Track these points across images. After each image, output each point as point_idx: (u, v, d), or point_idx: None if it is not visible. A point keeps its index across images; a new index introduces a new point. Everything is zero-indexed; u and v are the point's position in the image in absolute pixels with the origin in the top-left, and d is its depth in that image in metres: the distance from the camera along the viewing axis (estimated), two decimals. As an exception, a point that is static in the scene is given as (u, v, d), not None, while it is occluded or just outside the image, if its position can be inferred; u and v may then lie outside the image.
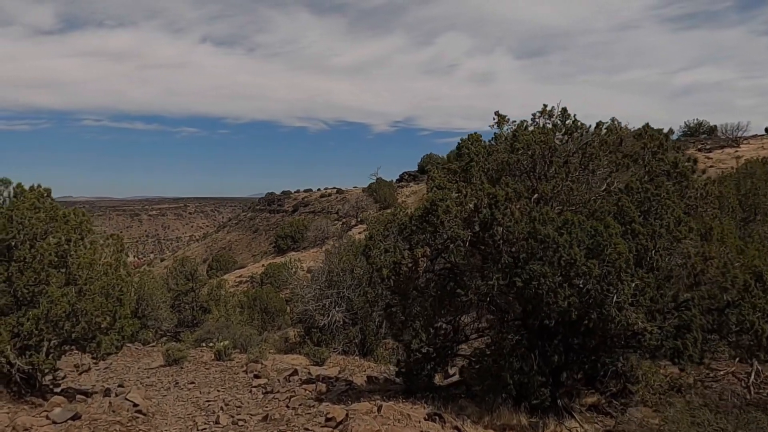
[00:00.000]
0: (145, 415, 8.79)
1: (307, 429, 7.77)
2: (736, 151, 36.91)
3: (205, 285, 23.71)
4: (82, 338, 9.27)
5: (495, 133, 9.73)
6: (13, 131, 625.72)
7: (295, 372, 12.27)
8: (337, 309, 16.85)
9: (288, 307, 23.23)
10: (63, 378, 10.63)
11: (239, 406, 9.75)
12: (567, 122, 9.33)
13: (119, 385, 11.37)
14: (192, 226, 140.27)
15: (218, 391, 11.14)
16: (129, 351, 15.44)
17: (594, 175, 9.11)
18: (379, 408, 8.03)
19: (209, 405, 9.97)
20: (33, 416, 7.92)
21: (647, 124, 9.37)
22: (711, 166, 32.83)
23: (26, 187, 9.81)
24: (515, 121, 9.74)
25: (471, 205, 8.49)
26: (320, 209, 61.47)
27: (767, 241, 11.96)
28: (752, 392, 9.45)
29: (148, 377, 12.65)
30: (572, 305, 7.73)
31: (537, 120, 9.45)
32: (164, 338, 20.14)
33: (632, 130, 10.31)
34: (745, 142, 39.75)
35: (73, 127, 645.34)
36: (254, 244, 64.25)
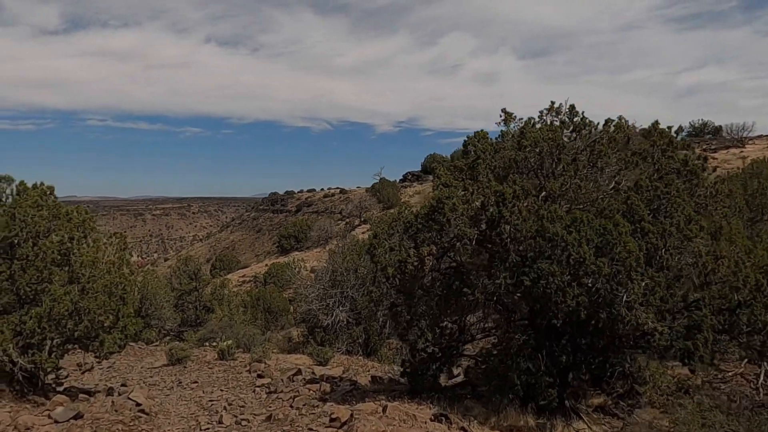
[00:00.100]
0: (147, 414, 8.71)
1: (312, 429, 7.68)
2: (742, 151, 36.73)
3: (208, 284, 23.67)
4: (85, 337, 9.20)
5: (502, 131, 9.64)
6: (18, 131, 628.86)
7: (299, 372, 12.18)
8: (340, 308, 16.77)
9: (291, 307, 23.17)
10: (66, 377, 10.57)
11: (242, 406, 9.67)
12: (575, 119, 9.22)
13: (122, 385, 11.30)
14: (195, 226, 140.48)
15: (221, 390, 11.06)
16: (132, 350, 15.39)
17: (602, 173, 9.00)
18: (384, 408, 7.94)
19: (212, 405, 9.89)
20: (35, 415, 7.86)
21: (656, 122, 9.27)
22: (716, 167, 32.66)
23: (29, 185, 9.75)
24: (522, 119, 9.64)
25: (478, 203, 8.39)
26: (323, 209, 61.46)
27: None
28: (762, 394, 9.32)
29: (151, 376, 12.58)
30: (581, 304, 7.62)
31: (544, 117, 9.34)
32: (167, 337, 20.08)
33: (639, 129, 10.21)
34: (750, 142, 39.57)
35: (78, 127, 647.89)
36: (257, 244, 64.33)
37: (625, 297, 7.49)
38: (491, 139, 9.43)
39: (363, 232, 37.07)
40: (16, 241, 9.04)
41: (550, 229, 7.80)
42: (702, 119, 46.35)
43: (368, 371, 13.05)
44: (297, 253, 42.50)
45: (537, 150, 8.78)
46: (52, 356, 8.96)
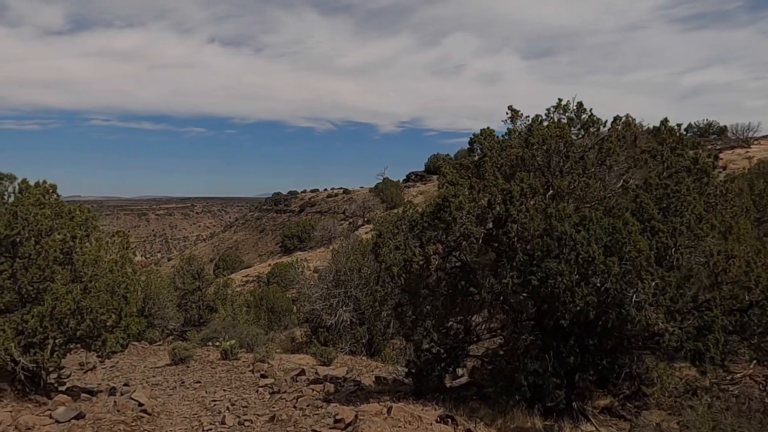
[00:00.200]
0: (150, 414, 8.64)
1: (316, 430, 7.58)
2: (747, 151, 36.51)
3: (211, 284, 23.66)
4: (88, 336, 9.13)
5: (508, 128, 9.52)
6: (22, 131, 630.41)
7: (303, 372, 12.09)
8: (344, 308, 16.69)
9: (295, 307, 23.11)
10: (68, 376, 10.50)
11: (246, 406, 9.59)
12: (583, 117, 9.11)
13: (124, 384, 11.24)
14: (199, 226, 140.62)
15: (224, 390, 10.99)
16: (135, 350, 15.34)
17: (611, 171, 8.87)
18: (389, 409, 7.83)
19: (215, 405, 9.82)
20: (36, 415, 7.79)
21: (666, 119, 9.13)
22: (726, 165, 32.49)
23: (31, 183, 9.69)
24: (528, 117, 9.53)
25: (484, 202, 8.27)
26: (327, 209, 61.47)
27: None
28: (772, 396, 9.18)
29: (153, 376, 12.52)
30: (590, 304, 7.49)
31: (552, 115, 9.22)
32: (170, 337, 20.05)
33: (645, 128, 10.10)
34: (755, 142, 39.37)
35: (82, 127, 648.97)
36: (261, 244, 64.36)
37: (634, 297, 7.37)
38: (497, 136, 9.31)
39: (366, 232, 36.99)
40: (18, 240, 8.98)
41: (558, 228, 7.68)
42: (707, 119, 46.20)
43: (372, 371, 12.95)
44: (300, 253, 42.47)
45: (545, 148, 8.65)
46: (54, 356, 8.88)
